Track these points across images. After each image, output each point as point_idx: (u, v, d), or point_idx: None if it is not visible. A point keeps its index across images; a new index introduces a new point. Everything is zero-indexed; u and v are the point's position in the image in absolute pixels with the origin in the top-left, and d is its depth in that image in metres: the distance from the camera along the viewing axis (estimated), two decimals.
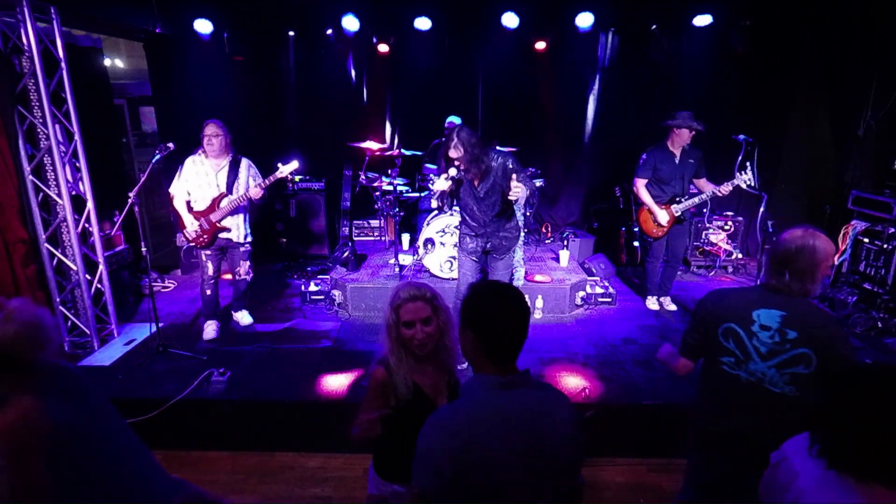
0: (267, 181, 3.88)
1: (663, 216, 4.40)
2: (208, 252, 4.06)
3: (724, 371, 1.91)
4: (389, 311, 1.79)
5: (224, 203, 3.91)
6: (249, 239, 4.19)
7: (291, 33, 5.83)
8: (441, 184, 3.24)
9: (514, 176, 3.14)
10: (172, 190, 3.95)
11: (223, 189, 3.91)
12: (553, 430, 1.35)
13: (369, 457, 1.97)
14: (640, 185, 4.47)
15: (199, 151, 3.90)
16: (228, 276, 4.42)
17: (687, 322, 2.09)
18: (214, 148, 3.84)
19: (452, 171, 3.22)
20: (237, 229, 4.05)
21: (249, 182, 3.99)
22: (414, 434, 1.60)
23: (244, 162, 4.01)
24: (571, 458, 1.40)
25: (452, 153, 3.19)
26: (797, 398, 1.79)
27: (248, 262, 4.21)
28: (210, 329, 4.21)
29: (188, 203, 3.93)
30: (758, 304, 1.87)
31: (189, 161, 3.90)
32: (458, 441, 1.27)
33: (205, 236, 3.95)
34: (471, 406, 1.34)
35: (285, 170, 3.83)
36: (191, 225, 3.92)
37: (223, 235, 4.01)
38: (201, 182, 3.89)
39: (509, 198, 3.14)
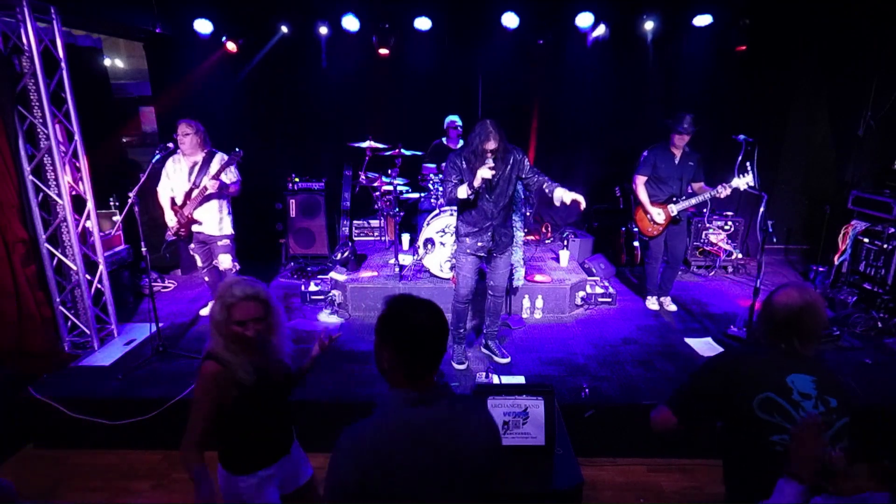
0: (218, 171, 3.96)
1: (659, 215, 4.40)
2: (192, 246, 4.32)
3: (780, 454, 1.53)
4: (220, 308, 1.82)
5: (192, 196, 4.05)
6: (228, 233, 4.25)
7: (290, 33, 5.82)
8: (486, 172, 3.19)
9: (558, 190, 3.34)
10: (159, 188, 4.16)
11: (192, 183, 4.05)
12: (467, 442, 1.36)
13: None
14: (640, 183, 4.48)
15: (175, 152, 4.07)
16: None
17: (691, 379, 1.79)
18: (186, 146, 4.00)
19: (490, 162, 3.22)
20: (209, 222, 4.16)
21: (221, 175, 4.04)
22: (263, 418, 1.90)
23: (218, 156, 4.10)
24: (485, 466, 1.40)
25: (490, 144, 3.20)
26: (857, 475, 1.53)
27: (228, 256, 4.26)
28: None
29: (172, 199, 4.12)
30: (786, 368, 1.63)
31: (170, 160, 4.08)
32: (367, 456, 1.27)
33: (182, 230, 4.15)
34: (383, 421, 1.33)
35: (232, 159, 3.98)
36: (170, 220, 4.14)
37: (196, 228, 4.18)
38: (179, 179, 4.08)
39: (563, 197, 3.30)
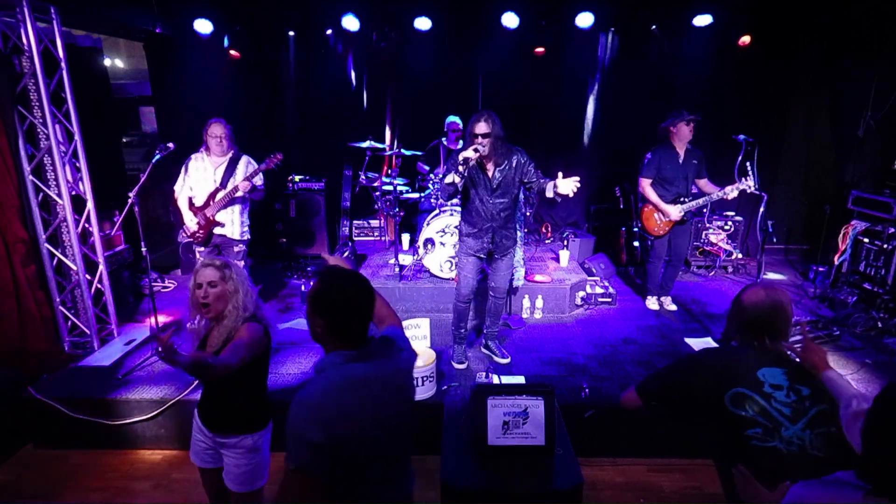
0: (253, 174, 3.88)
1: (674, 211, 4.39)
2: (202, 249, 4.13)
3: (756, 447, 1.57)
4: (192, 276, 2.13)
5: (218, 197, 3.93)
6: (246, 237, 4.13)
7: (291, 33, 5.83)
8: (470, 153, 3.16)
9: (559, 176, 3.14)
10: (176, 188, 4.01)
11: (219, 184, 3.93)
12: (401, 381, 1.57)
13: None
14: (646, 185, 4.44)
15: (202, 149, 3.96)
16: None
17: (663, 371, 1.87)
18: (218, 147, 3.89)
19: (482, 149, 3.18)
20: (231, 224, 4.03)
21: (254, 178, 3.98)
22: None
23: (244, 158, 4.02)
24: (412, 396, 1.66)
25: (481, 128, 3.18)
26: (843, 461, 1.51)
27: (241, 262, 4.12)
28: None
29: (190, 200, 3.98)
30: (757, 363, 1.68)
31: (192, 159, 3.96)
32: (328, 413, 1.35)
33: (201, 232, 3.98)
34: (332, 382, 1.42)
35: (270, 161, 3.87)
36: (190, 221, 3.98)
37: (218, 231, 4.02)
38: (201, 179, 3.95)
39: (562, 191, 3.09)
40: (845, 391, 1.58)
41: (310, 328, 1.52)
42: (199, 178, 3.96)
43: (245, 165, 3.99)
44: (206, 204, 3.95)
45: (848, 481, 1.21)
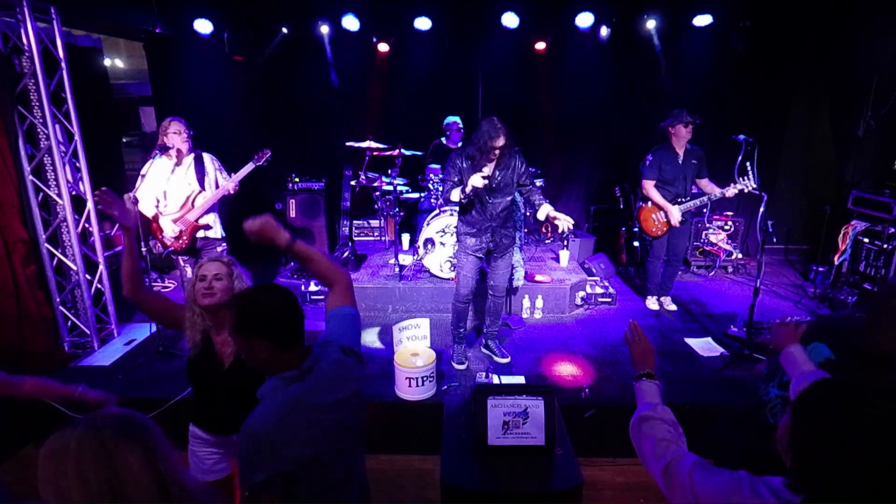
0: (244, 171, 3.81)
1: (676, 214, 4.38)
2: (185, 257, 3.90)
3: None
4: (193, 273, 2.05)
5: (199, 200, 3.78)
6: (224, 235, 4.02)
7: (289, 31, 5.83)
8: (478, 180, 3.12)
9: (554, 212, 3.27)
10: (139, 195, 3.63)
11: (195, 186, 3.77)
12: (348, 388, 1.53)
13: (373, 456, 1.98)
14: (650, 187, 4.41)
15: (160, 154, 3.66)
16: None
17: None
18: (189, 145, 3.74)
19: (486, 171, 3.18)
20: (215, 224, 3.93)
21: (217, 175, 3.89)
22: (203, 387, 2.06)
23: (206, 156, 3.88)
24: (363, 396, 1.63)
25: (499, 141, 3.14)
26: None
27: None
28: None
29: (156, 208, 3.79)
30: (814, 337, 1.70)
31: (152, 165, 3.63)
32: (274, 445, 1.35)
33: (184, 238, 3.78)
34: (274, 408, 1.40)
35: (260, 158, 3.81)
36: (171, 230, 3.75)
37: (201, 234, 3.86)
38: (172, 183, 3.72)
39: (560, 226, 3.21)
40: (798, 367, 1.55)
41: (249, 359, 1.46)
42: (169, 184, 3.69)
43: (211, 162, 3.88)
44: (186, 207, 3.75)
45: (776, 488, 1.08)
